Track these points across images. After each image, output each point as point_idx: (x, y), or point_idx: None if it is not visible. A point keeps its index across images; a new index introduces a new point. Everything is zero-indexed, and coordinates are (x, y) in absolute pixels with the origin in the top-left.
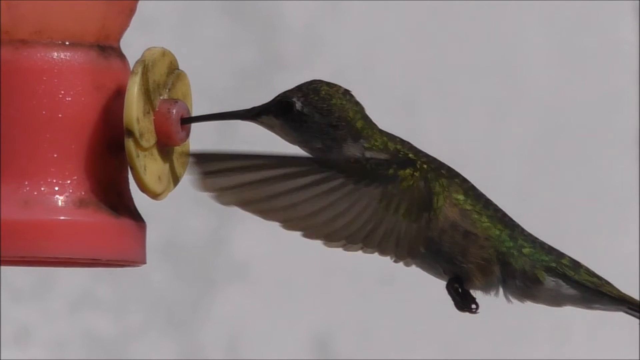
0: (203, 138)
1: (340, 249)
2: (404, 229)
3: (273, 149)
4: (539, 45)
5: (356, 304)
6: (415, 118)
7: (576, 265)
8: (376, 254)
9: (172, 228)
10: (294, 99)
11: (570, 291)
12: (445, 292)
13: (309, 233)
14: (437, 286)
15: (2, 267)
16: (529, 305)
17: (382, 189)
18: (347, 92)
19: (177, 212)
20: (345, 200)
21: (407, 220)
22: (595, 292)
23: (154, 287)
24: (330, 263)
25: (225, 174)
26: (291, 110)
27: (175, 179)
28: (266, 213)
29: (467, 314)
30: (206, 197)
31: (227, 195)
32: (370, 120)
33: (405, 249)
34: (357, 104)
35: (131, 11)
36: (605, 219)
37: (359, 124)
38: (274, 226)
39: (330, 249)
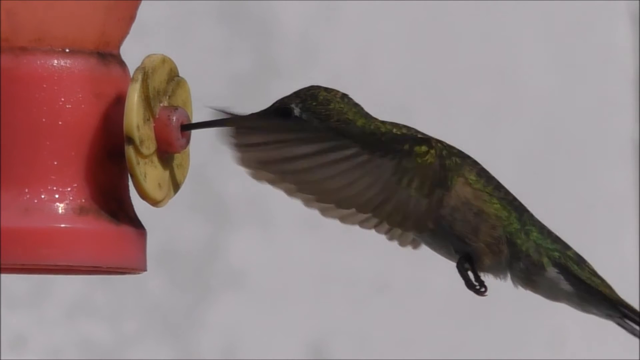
0: (198, 143)
1: (336, 255)
2: (413, 203)
3: None
4: (535, 51)
5: (351, 311)
6: (412, 124)
7: (581, 260)
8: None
9: (167, 235)
10: (292, 105)
11: (569, 287)
12: (442, 296)
13: (322, 198)
14: (432, 293)
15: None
16: (526, 309)
17: (396, 162)
18: (345, 96)
19: (172, 219)
20: (358, 169)
21: (418, 195)
22: (593, 291)
23: (150, 294)
24: (326, 270)
25: (259, 148)
26: (289, 116)
27: (176, 186)
28: (282, 177)
29: (463, 318)
30: (202, 204)
31: (258, 165)
32: (372, 116)
33: (412, 223)
34: (356, 105)
35: (131, 18)
36: (602, 225)
37: (359, 123)
38: (270, 233)
39: (326, 254)
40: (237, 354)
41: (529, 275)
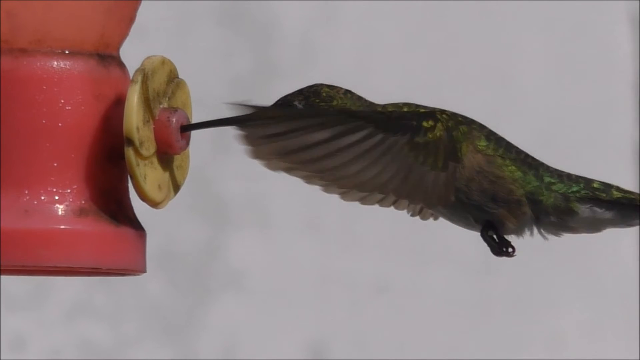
0: (197, 145)
1: (335, 257)
2: (432, 179)
3: None
4: (535, 54)
5: (351, 313)
6: None
7: (607, 186)
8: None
9: (167, 236)
10: (295, 102)
11: (606, 213)
12: (441, 297)
13: (341, 183)
14: (431, 294)
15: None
16: (526, 309)
17: (409, 139)
18: (348, 92)
19: (172, 220)
20: (374, 150)
21: (436, 170)
22: (630, 207)
23: (150, 295)
24: (326, 271)
25: (271, 139)
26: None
27: (176, 187)
28: (299, 167)
29: (462, 319)
30: (202, 205)
31: (272, 157)
32: (376, 104)
33: (435, 198)
34: (360, 99)
35: (131, 20)
36: None
37: None
38: (270, 234)
39: (326, 255)
40: (237, 355)
41: (564, 224)
